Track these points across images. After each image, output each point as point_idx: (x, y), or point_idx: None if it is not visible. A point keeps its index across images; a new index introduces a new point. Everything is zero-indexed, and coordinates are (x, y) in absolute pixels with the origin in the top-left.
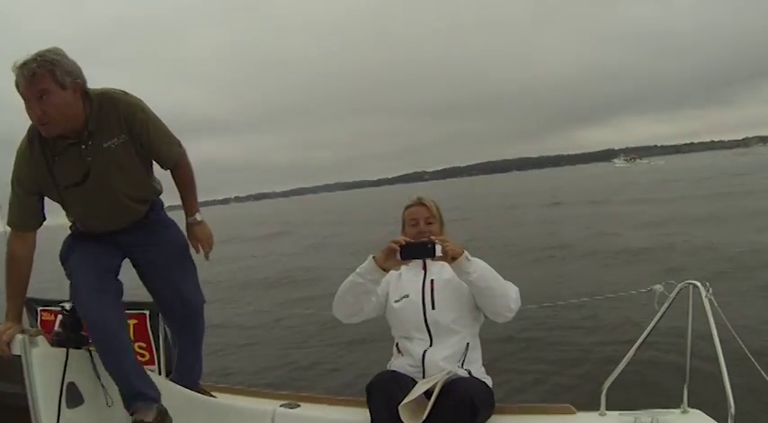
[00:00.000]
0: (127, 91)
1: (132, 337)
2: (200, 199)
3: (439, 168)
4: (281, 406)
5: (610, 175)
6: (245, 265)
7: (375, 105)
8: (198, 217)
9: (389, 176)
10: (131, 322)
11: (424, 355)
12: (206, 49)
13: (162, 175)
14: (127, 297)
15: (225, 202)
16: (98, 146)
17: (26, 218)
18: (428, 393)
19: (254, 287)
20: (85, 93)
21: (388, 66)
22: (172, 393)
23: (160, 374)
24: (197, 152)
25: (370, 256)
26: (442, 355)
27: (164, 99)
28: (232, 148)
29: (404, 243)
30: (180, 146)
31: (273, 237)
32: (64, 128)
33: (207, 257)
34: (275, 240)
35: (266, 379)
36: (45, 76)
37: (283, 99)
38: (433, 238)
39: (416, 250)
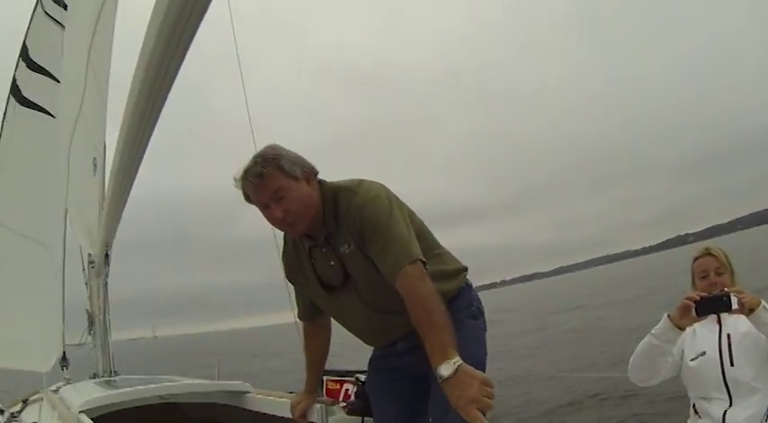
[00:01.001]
0: (364, 182)
1: None
2: None
3: (701, 229)
4: None
5: None
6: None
7: (625, 172)
8: (445, 369)
9: (652, 244)
10: None
11: (724, 416)
12: (452, 137)
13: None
14: None
15: (491, 286)
16: (336, 249)
17: (304, 309)
18: None
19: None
20: (320, 184)
21: (630, 127)
22: None
23: None
24: (456, 240)
25: (665, 315)
26: (744, 415)
27: (416, 191)
28: (491, 232)
29: (698, 298)
30: (401, 261)
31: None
32: (312, 223)
33: None
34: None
35: None
36: (274, 174)
37: (534, 178)
38: (727, 289)
39: (712, 304)
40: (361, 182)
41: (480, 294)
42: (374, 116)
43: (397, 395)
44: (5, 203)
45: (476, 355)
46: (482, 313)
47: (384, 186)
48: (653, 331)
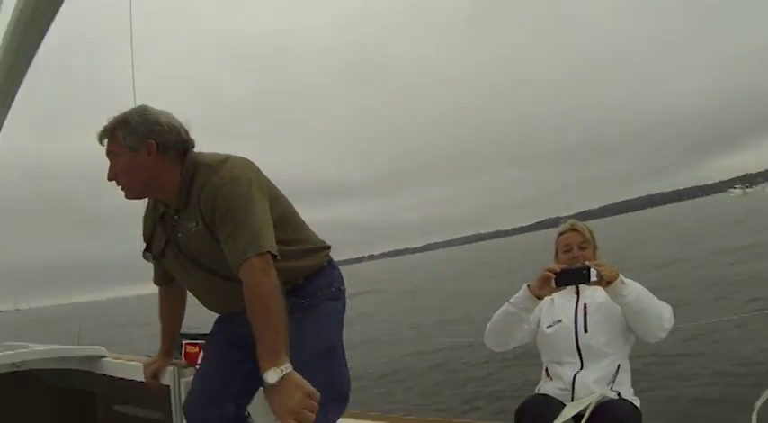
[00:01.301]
0: (229, 160)
1: None
2: (335, 258)
3: (572, 213)
4: None
5: (725, 206)
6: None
7: (500, 160)
8: (271, 376)
9: (525, 225)
10: None
11: (574, 378)
12: (333, 117)
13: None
14: None
15: (358, 260)
16: (183, 224)
17: (160, 274)
18: (577, 416)
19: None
20: (183, 157)
21: (511, 119)
22: None
23: None
24: (328, 215)
25: (525, 285)
26: (593, 377)
27: (293, 167)
28: (362, 210)
29: (558, 270)
30: (248, 252)
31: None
32: (146, 192)
33: None
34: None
35: (414, 403)
36: (110, 138)
37: (409, 160)
38: (587, 262)
39: (572, 276)
40: (226, 159)
41: (347, 268)
42: (260, 90)
43: (226, 357)
44: None
45: (330, 337)
46: (342, 293)
47: (250, 165)
48: (511, 300)
